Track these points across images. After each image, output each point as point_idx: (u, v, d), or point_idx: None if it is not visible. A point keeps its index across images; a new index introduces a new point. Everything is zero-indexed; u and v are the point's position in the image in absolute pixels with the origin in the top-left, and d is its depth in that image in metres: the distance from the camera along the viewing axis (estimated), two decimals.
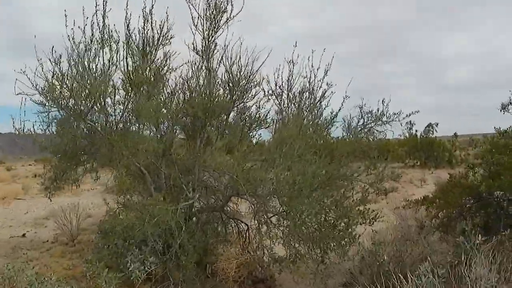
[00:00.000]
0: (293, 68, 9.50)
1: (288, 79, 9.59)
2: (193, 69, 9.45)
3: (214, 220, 10.18)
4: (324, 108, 9.41)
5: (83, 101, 8.31)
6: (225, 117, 9.79)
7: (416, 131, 49.18)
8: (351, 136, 9.27)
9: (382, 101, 8.93)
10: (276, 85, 9.63)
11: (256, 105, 9.93)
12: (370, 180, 8.98)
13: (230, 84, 9.58)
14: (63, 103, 8.31)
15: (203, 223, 9.57)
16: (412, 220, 11.67)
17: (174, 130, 9.81)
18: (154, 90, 9.03)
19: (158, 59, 9.45)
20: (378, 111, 9.04)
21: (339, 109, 9.15)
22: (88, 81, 8.19)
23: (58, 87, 8.16)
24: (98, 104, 8.44)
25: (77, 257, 11.38)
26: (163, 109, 9.24)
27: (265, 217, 8.28)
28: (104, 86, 8.32)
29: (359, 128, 9.28)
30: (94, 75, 8.35)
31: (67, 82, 8.20)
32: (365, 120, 9.24)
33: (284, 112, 9.69)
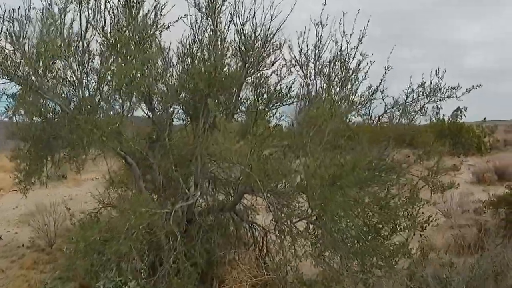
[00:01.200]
0: (322, 32, 7.75)
1: (316, 45, 7.85)
2: (194, 29, 7.75)
3: (222, 223, 8.43)
4: (361, 82, 7.67)
5: (34, 67, 6.53)
6: (236, 90, 7.99)
7: (444, 115, 47.54)
8: (399, 115, 7.62)
9: (436, 71, 7.18)
10: (300, 52, 7.91)
11: (277, 74, 8.10)
12: (421, 173, 7.44)
13: (242, 48, 7.87)
14: (15, 72, 6.60)
15: (208, 228, 7.77)
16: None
17: (171, 109, 8.05)
18: (141, 54, 7.10)
19: (146, 15, 7.57)
20: (431, 84, 7.35)
21: (380, 83, 7.49)
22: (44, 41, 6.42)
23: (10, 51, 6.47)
24: (51, 71, 6.71)
25: (51, 269, 9.74)
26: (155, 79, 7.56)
27: (289, 223, 6.63)
28: (56, 43, 6.54)
29: (408, 106, 7.59)
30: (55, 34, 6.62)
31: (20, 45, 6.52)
32: (417, 96, 7.52)
33: (310, 86, 8.02)
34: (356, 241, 6.47)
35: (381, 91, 7.52)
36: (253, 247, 8.59)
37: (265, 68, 8.17)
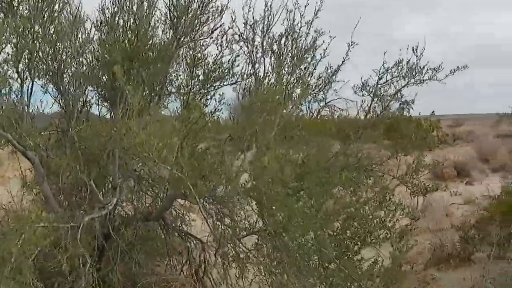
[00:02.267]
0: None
1: (264, 15, 6.72)
2: None
3: (148, 237, 7.14)
4: (318, 61, 6.68)
5: None
6: (163, 66, 6.58)
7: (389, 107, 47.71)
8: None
9: (413, 49, 6.12)
10: (246, 24, 6.77)
11: (216, 44, 6.92)
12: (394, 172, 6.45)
13: (173, 13, 6.54)
14: None
15: (129, 245, 6.40)
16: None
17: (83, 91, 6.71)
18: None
19: None
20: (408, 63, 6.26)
21: (343, 62, 6.59)
22: None
23: None
24: None
25: None
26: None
27: (234, 242, 5.38)
28: None
29: (382, 90, 6.47)
30: None
31: None
32: (390, 76, 6.41)
33: (257, 65, 6.84)
34: (324, 263, 5.35)
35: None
36: (188, 266, 7.29)
37: (201, 38, 6.95)
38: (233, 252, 5.52)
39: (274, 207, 4.69)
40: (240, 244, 5.50)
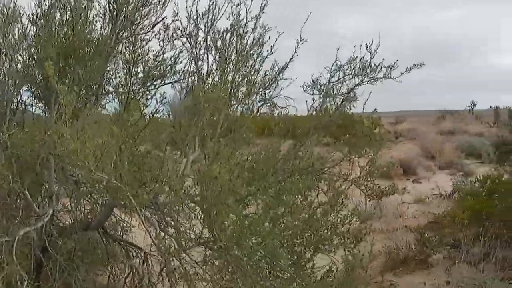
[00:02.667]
0: None
1: (209, 9, 6.37)
2: None
3: (88, 248, 6.62)
4: (265, 59, 6.36)
5: None
6: (101, 62, 6.18)
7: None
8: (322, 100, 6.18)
9: (367, 46, 5.83)
10: (189, 18, 6.37)
11: (158, 39, 6.55)
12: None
13: (112, 5, 6.20)
14: None
15: (68, 258, 5.95)
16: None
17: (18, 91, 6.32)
18: None
19: None
20: (361, 60, 5.98)
21: (291, 59, 6.27)
22: None
23: None
24: None
25: None
26: None
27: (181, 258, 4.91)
28: None
29: (333, 88, 6.19)
30: None
31: None
32: (342, 74, 6.12)
33: (200, 62, 6.46)
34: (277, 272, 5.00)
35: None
36: (131, 277, 6.87)
37: (142, 32, 6.59)
38: (180, 268, 5.06)
39: (225, 222, 4.32)
40: (187, 257, 5.06)
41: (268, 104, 6.35)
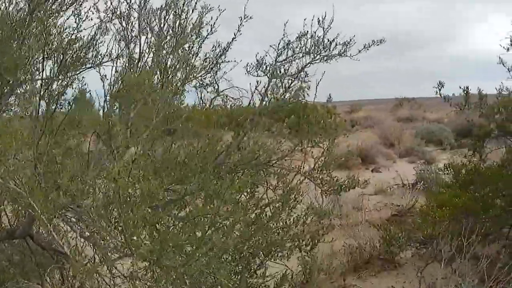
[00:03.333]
0: None
1: None
2: None
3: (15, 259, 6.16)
4: (204, 39, 5.78)
5: None
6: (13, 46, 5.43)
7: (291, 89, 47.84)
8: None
9: (319, 20, 5.29)
10: None
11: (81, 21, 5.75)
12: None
13: None
14: None
15: None
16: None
17: None
18: None
19: None
20: (313, 36, 5.38)
21: (233, 38, 5.71)
22: None
23: None
24: None
25: None
26: None
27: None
28: None
29: (281, 68, 5.50)
30: None
31: None
32: (292, 52, 5.46)
33: (133, 44, 5.81)
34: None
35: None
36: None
37: (62, 10, 5.78)
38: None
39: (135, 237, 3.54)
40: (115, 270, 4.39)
41: (221, 96, 5.77)
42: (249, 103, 5.38)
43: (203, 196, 4.07)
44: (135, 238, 3.38)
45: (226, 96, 5.73)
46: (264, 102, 5.38)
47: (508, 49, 8.90)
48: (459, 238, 6.43)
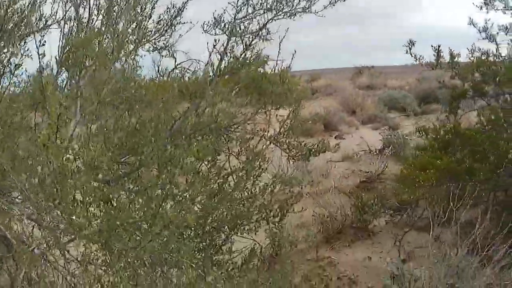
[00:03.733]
0: None
1: None
2: None
3: None
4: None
5: None
6: None
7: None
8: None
9: None
10: None
11: None
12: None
13: None
14: None
15: None
16: None
17: None
18: None
19: None
20: None
21: None
22: None
23: None
24: None
25: None
26: None
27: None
28: None
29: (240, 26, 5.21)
30: None
31: None
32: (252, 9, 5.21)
33: (81, 8, 5.29)
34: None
35: None
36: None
37: None
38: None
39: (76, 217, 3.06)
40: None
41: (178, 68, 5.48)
42: (207, 63, 4.96)
43: (158, 166, 3.65)
44: (74, 218, 2.90)
45: (184, 69, 5.44)
46: (223, 62, 5.01)
47: (481, 8, 8.64)
48: (442, 203, 6.09)
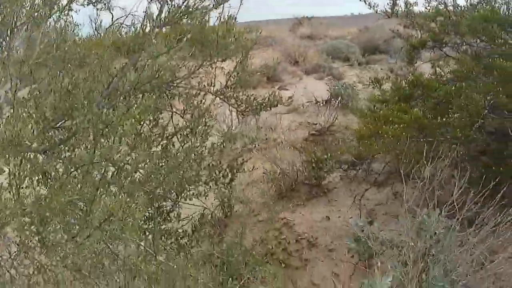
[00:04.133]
0: None
1: None
2: None
3: None
4: None
5: None
6: None
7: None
8: None
9: None
10: None
11: None
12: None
13: None
14: None
15: None
16: None
17: None
18: None
19: None
20: None
21: None
22: None
23: None
24: None
25: None
26: None
27: None
28: None
29: None
30: None
31: None
32: None
33: None
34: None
35: None
36: None
37: None
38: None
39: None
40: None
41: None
42: (145, 10, 4.47)
43: (93, 132, 3.19)
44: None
45: (121, 24, 5.06)
46: (163, 11, 4.49)
47: None
48: (407, 159, 5.69)
